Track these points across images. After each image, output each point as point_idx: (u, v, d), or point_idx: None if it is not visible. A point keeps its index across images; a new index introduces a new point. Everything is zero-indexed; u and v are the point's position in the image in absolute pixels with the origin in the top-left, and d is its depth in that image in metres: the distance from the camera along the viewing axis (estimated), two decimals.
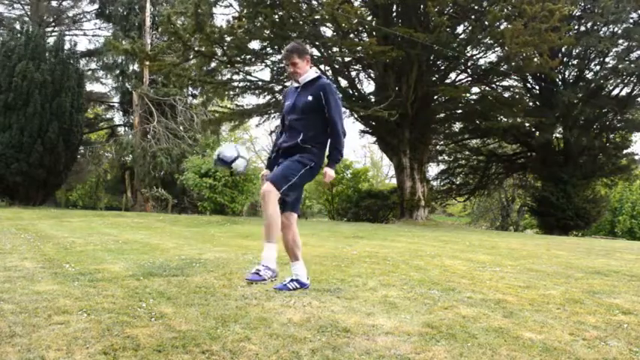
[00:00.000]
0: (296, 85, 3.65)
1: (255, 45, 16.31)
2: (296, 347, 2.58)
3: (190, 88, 23.45)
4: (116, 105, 25.96)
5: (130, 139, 22.01)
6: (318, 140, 3.53)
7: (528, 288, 4.14)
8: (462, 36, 16.30)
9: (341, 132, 3.54)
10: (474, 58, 17.31)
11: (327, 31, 15.92)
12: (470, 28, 15.72)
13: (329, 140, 3.57)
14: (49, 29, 24.30)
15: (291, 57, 3.56)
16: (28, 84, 17.23)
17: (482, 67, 17.49)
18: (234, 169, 3.63)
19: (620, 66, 17.00)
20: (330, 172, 3.56)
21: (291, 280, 3.58)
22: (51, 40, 19.80)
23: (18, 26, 19.54)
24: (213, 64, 16.62)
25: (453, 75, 18.12)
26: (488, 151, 22.62)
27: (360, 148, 39.26)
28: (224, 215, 15.02)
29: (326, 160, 3.62)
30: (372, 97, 17.68)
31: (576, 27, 17.13)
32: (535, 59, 14.26)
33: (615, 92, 18.87)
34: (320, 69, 10.75)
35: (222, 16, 34.10)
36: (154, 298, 3.49)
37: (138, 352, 2.46)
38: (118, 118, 26.65)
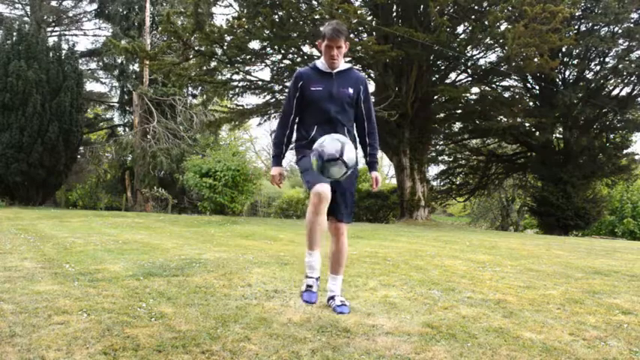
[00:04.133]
0: (324, 69, 3.24)
1: (255, 45, 16.33)
2: (296, 347, 2.58)
3: (190, 88, 23.46)
4: (116, 105, 25.96)
5: (129, 139, 21.99)
6: (354, 137, 3.31)
7: (528, 288, 4.14)
8: (462, 36, 16.31)
9: (377, 133, 3.35)
10: (474, 58, 17.33)
11: None
12: (470, 28, 15.73)
13: (365, 139, 3.33)
14: (49, 29, 24.30)
15: (340, 40, 3.12)
16: (24, 83, 17.21)
17: (483, 67, 17.50)
18: (348, 162, 2.80)
19: (620, 66, 17.00)
20: (379, 178, 3.34)
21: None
22: (51, 40, 19.81)
23: (16, 26, 19.52)
24: (213, 64, 16.62)
25: (453, 75, 18.14)
26: (488, 151, 22.63)
27: (360, 147, 38.96)
28: (224, 215, 15.01)
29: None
30: (372, 97, 17.68)
31: (577, 27, 17.13)
32: (535, 59, 14.27)
33: (615, 92, 18.88)
34: None
35: (222, 16, 34.12)
36: (154, 298, 3.49)
37: (138, 352, 2.46)
38: (117, 118, 26.66)
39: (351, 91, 3.20)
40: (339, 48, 3.14)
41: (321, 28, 3.23)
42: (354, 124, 3.32)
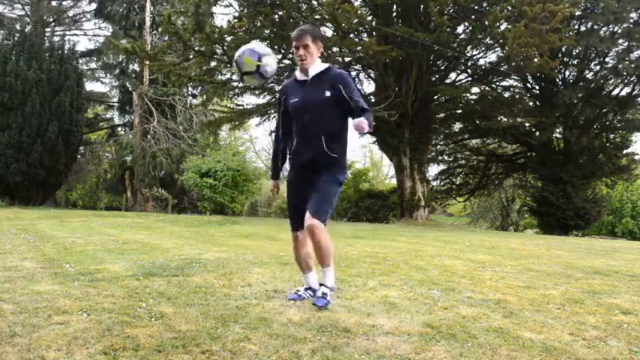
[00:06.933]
0: (301, 78, 3.25)
1: None
2: (296, 347, 2.58)
3: (190, 88, 23.45)
4: (116, 105, 25.95)
5: (129, 139, 22.00)
6: (343, 141, 3.23)
7: (528, 288, 4.14)
8: (462, 36, 16.31)
9: (370, 110, 3.12)
10: (474, 58, 17.33)
11: (327, 31, 15.95)
12: (470, 28, 15.73)
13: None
14: (49, 29, 24.29)
15: (304, 37, 3.12)
16: (23, 83, 17.19)
17: (483, 67, 17.51)
18: (263, 64, 3.04)
19: (620, 66, 17.00)
20: (359, 122, 2.95)
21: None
22: (52, 40, 19.79)
23: (18, 26, 19.52)
24: (213, 64, 16.62)
25: (453, 75, 18.14)
26: (488, 151, 22.63)
27: (360, 148, 39.04)
28: (224, 215, 15.02)
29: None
30: (372, 97, 17.69)
31: (577, 27, 17.14)
32: (535, 59, 14.28)
33: (615, 92, 18.88)
34: None
35: (222, 16, 34.15)
36: (154, 298, 3.49)
37: (138, 352, 2.45)
38: (117, 118, 26.65)
39: (328, 93, 3.14)
40: (305, 47, 3.13)
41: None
42: (343, 124, 3.23)
